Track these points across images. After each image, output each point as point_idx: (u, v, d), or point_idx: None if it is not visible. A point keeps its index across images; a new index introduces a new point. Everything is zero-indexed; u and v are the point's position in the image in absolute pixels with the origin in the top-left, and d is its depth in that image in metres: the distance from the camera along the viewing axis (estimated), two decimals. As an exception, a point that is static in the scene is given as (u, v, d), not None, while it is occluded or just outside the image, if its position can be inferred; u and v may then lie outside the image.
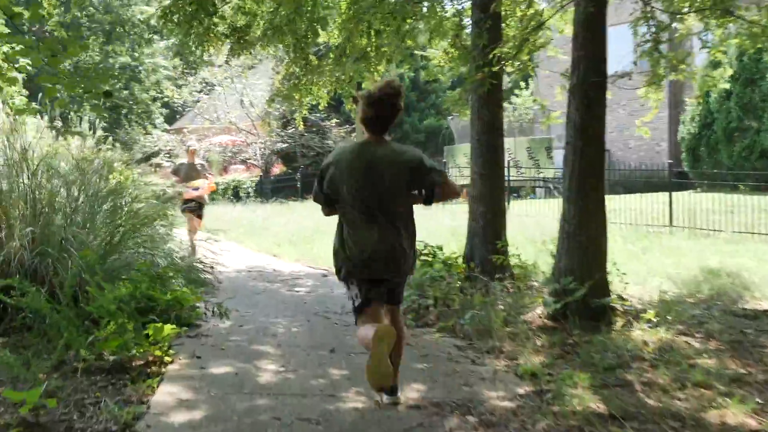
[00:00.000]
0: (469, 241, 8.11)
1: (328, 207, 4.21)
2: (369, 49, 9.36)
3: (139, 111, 36.79)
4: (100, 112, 6.83)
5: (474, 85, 7.74)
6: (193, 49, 9.99)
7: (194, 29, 9.22)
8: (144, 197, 8.97)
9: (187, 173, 10.83)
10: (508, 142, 26.09)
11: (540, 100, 9.64)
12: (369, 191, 4.01)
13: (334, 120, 29.39)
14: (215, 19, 9.34)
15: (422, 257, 7.84)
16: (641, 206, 14.93)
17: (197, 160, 11.17)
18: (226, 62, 17.27)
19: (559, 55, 9.64)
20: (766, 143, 19.36)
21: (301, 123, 11.35)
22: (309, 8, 9.22)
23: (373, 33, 9.11)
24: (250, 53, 10.09)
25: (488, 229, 7.92)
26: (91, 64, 34.29)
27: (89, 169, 8.05)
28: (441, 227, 12.76)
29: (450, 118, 31.21)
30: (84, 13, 34.94)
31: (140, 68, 36.47)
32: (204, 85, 31.09)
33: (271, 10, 9.46)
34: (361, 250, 4.00)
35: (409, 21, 8.89)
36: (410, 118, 34.29)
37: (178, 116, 37.22)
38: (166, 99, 34.80)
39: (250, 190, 28.82)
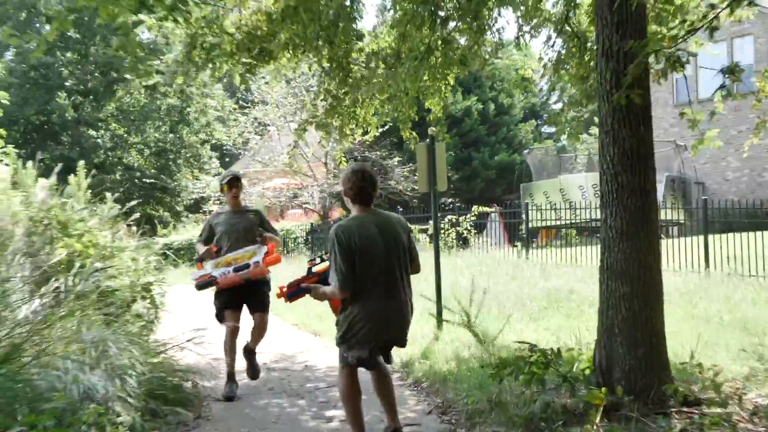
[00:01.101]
0: (604, 342, 4.93)
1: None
2: (433, 46, 6.44)
3: (188, 155, 34.85)
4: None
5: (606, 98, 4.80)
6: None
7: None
8: (113, 270, 6.25)
9: (230, 233, 6.35)
10: (593, 177, 23.07)
11: (693, 113, 6.31)
12: (392, 259, 4.31)
13: (397, 159, 26.68)
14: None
15: (528, 364, 4.76)
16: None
17: (248, 205, 6.92)
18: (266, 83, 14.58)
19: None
20: None
21: (343, 160, 8.42)
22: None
23: (438, 22, 6.20)
24: (272, 67, 7.27)
25: (636, 323, 4.79)
26: (136, 107, 32.64)
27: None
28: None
29: (526, 152, 28.07)
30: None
31: (189, 110, 34.64)
32: (256, 125, 28.82)
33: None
34: (385, 319, 4.33)
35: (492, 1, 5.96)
36: (480, 154, 31.36)
37: (227, 159, 35.16)
38: (215, 142, 32.80)
39: (300, 239, 25.81)
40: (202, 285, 6.12)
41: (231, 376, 6.17)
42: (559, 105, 44.09)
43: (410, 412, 5.35)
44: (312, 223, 27.42)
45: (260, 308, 6.38)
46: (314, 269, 4.58)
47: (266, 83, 23.82)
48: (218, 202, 24.74)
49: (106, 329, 4.99)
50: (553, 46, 7.13)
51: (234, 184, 6.42)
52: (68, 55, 32.74)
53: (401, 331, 4.42)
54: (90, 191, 7.91)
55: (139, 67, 6.49)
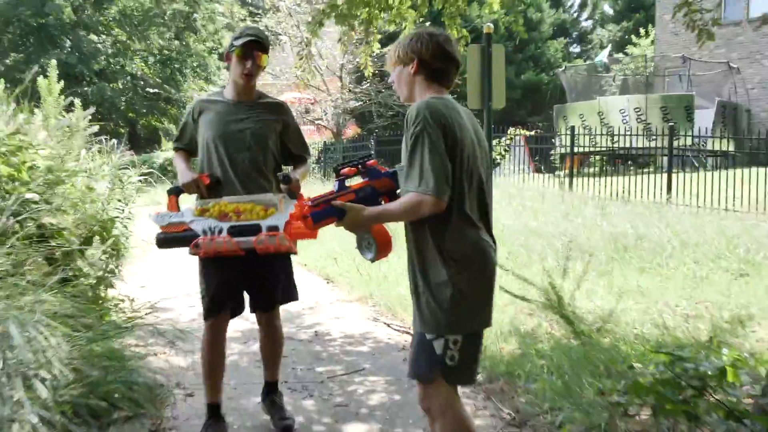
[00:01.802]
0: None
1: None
2: None
3: (194, 65, 32.79)
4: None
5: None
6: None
7: None
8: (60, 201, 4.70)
9: (227, 144, 3.63)
10: (636, 100, 21.10)
11: None
12: (490, 178, 2.72)
13: (418, 74, 24.57)
14: None
15: (671, 387, 3.06)
16: None
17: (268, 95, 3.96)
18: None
19: None
20: None
21: (369, 65, 6.55)
22: None
23: None
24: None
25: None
26: (139, 11, 30.53)
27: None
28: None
29: (561, 70, 25.89)
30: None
31: (195, 16, 32.40)
32: (267, 34, 26.69)
33: None
34: (489, 281, 2.57)
35: None
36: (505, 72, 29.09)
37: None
38: (224, 51, 30.76)
39: (311, 159, 24.02)
40: (167, 239, 3.33)
41: (213, 409, 3.70)
42: (590, 23, 41.55)
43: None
44: (325, 141, 25.73)
45: (270, 304, 3.77)
46: (348, 183, 2.78)
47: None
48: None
49: (16, 298, 3.33)
50: None
51: (253, 51, 3.58)
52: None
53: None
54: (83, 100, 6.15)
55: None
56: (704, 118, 19.23)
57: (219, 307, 3.63)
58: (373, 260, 2.73)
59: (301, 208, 2.75)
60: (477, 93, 6.54)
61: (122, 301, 5.11)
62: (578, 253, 7.16)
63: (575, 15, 39.94)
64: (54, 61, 7.96)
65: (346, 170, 2.72)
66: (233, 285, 3.65)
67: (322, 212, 2.68)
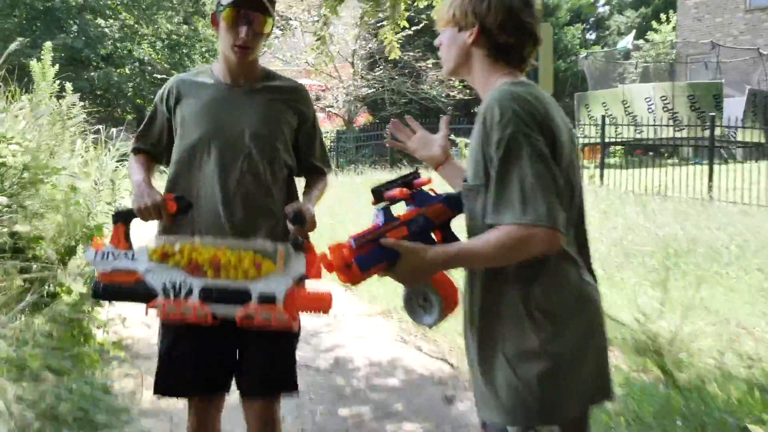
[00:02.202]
0: None
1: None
2: None
3: (203, 50, 32.05)
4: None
5: None
6: None
7: None
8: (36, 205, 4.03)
9: (214, 139, 2.50)
10: (662, 88, 20.22)
11: None
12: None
13: (431, 61, 23.78)
14: None
15: None
16: None
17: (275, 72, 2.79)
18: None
19: None
20: None
21: (396, 50, 5.76)
22: None
23: None
24: None
25: None
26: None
27: None
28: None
29: (582, 56, 25.02)
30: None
31: (204, 0, 31.66)
32: (278, 19, 26.01)
33: None
34: (600, 341, 1.81)
35: None
36: (522, 59, 28.13)
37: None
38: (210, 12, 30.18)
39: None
40: (110, 292, 2.29)
41: None
42: (607, 9, 40.69)
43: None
44: (337, 130, 25.04)
45: (265, 389, 2.54)
46: (393, 210, 1.95)
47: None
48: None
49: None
50: None
51: (248, 12, 2.47)
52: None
53: None
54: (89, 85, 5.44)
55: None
56: (733, 107, 18.41)
57: (183, 376, 2.49)
58: (432, 325, 1.94)
59: (340, 252, 1.83)
60: (550, 78, 5.67)
61: (111, 320, 4.41)
62: (623, 259, 6.42)
63: (592, 0, 39.09)
64: (49, 44, 7.33)
65: (394, 193, 1.91)
66: (212, 359, 2.48)
67: (370, 256, 1.82)
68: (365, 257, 1.82)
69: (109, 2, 31.47)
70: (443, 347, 4.99)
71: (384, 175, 16.34)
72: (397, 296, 6.09)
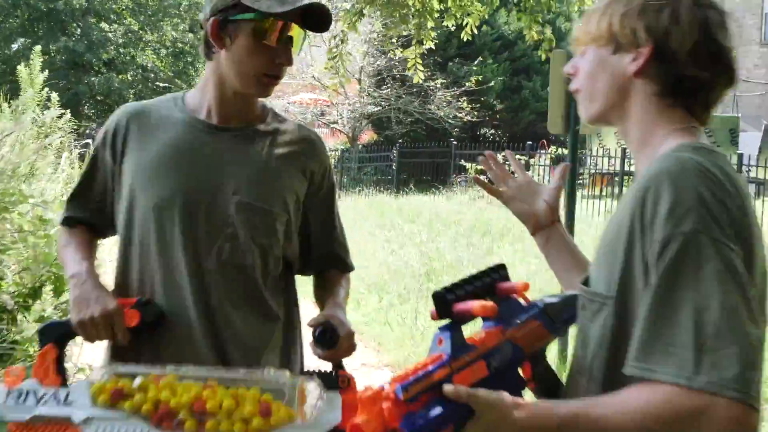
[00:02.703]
0: None
1: None
2: None
3: (208, 59, 31.83)
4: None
5: None
6: None
7: None
8: None
9: (190, 227, 1.69)
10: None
11: None
12: None
13: (439, 81, 23.40)
14: None
15: None
16: None
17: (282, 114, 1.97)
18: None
19: None
20: None
21: (420, 73, 5.14)
22: None
23: None
24: None
25: None
26: (154, 0, 29.60)
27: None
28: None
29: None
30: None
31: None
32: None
33: None
34: None
35: None
36: (530, 83, 27.69)
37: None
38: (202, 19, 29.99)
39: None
40: None
41: None
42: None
43: None
44: (341, 149, 24.66)
45: None
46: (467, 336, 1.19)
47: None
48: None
49: None
50: None
51: (303, 24, 1.69)
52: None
53: None
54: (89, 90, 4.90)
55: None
56: (748, 142, 18.04)
57: None
58: None
59: (377, 407, 1.06)
60: (560, 114, 5.06)
61: (82, 370, 3.80)
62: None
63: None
64: (38, 47, 6.83)
65: (472, 307, 1.13)
66: None
67: (427, 416, 1.07)
68: (419, 419, 1.07)
69: (114, 6, 31.24)
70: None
71: (390, 199, 15.63)
72: (406, 345, 5.48)
